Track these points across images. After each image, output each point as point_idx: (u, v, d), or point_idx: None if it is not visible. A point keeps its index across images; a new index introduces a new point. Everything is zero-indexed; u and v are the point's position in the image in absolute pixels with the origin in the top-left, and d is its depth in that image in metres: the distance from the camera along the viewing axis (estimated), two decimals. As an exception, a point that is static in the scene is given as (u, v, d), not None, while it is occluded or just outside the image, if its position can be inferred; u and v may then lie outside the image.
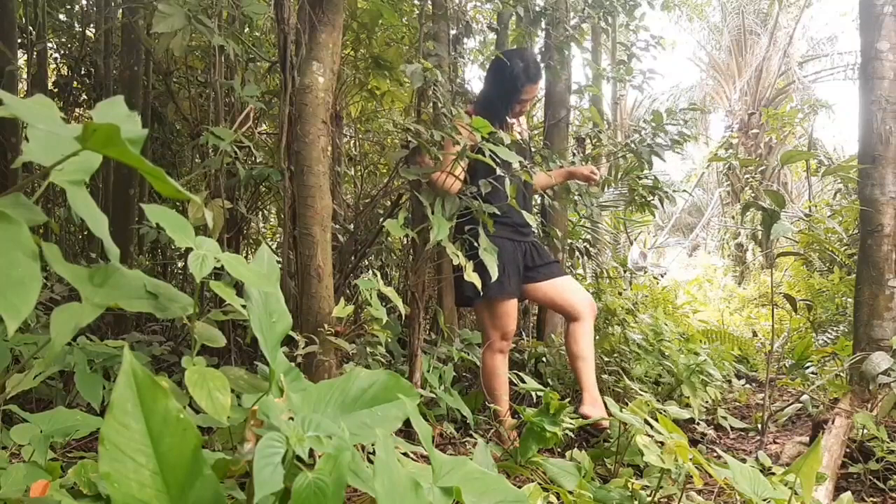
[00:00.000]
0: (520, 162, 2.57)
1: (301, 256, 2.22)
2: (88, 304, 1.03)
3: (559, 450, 2.55)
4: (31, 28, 4.00)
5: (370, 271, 2.32)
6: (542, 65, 2.95)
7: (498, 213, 2.52)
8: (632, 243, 8.80)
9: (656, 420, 1.87)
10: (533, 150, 3.14)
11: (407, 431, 2.10)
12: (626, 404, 2.35)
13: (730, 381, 3.95)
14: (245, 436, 1.17)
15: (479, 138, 2.32)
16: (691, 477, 1.72)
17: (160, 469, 0.87)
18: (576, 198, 3.78)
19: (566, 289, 2.79)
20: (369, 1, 3.41)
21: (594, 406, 2.56)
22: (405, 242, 3.48)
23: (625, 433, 2.27)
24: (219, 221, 2.36)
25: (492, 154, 2.32)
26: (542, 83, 2.92)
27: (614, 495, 1.86)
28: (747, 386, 4.25)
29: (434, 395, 2.58)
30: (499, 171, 2.47)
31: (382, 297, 2.30)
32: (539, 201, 3.43)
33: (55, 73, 4.85)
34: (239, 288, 1.26)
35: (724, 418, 3.11)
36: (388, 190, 3.35)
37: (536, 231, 2.97)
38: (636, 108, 16.52)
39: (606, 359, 3.47)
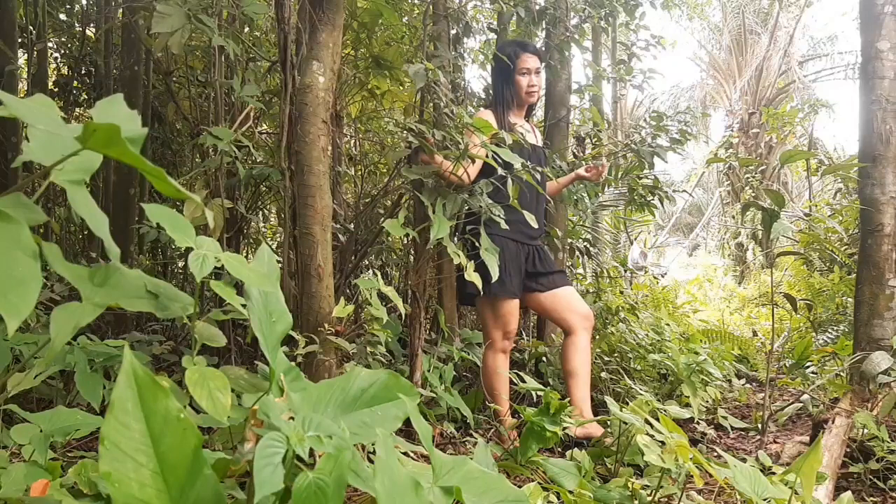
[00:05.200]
0: (533, 167, 2.59)
1: (301, 256, 2.23)
2: (88, 304, 1.03)
3: (559, 450, 2.55)
4: (31, 28, 4.00)
5: (370, 271, 2.32)
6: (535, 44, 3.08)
7: (504, 213, 2.53)
8: (632, 243, 8.80)
9: (657, 419, 1.87)
10: (546, 153, 3.16)
11: (407, 431, 2.10)
12: (627, 403, 2.35)
13: (730, 381, 3.95)
14: (245, 435, 1.17)
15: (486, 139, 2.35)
16: (692, 476, 1.72)
17: (160, 469, 0.87)
18: (575, 198, 3.78)
19: (562, 302, 2.80)
20: (369, 1, 3.41)
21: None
22: (405, 242, 3.49)
23: (625, 433, 2.27)
24: (219, 221, 2.36)
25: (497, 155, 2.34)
26: (542, 68, 3.00)
27: (614, 495, 1.86)
28: (747, 386, 4.24)
29: (434, 395, 2.58)
30: (501, 172, 2.48)
31: (382, 297, 2.30)
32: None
33: (55, 72, 4.85)
34: (239, 287, 1.26)
35: (725, 418, 3.11)
36: (388, 190, 3.35)
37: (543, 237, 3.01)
38: (636, 107, 16.52)
39: (606, 358, 3.47)
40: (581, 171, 3.07)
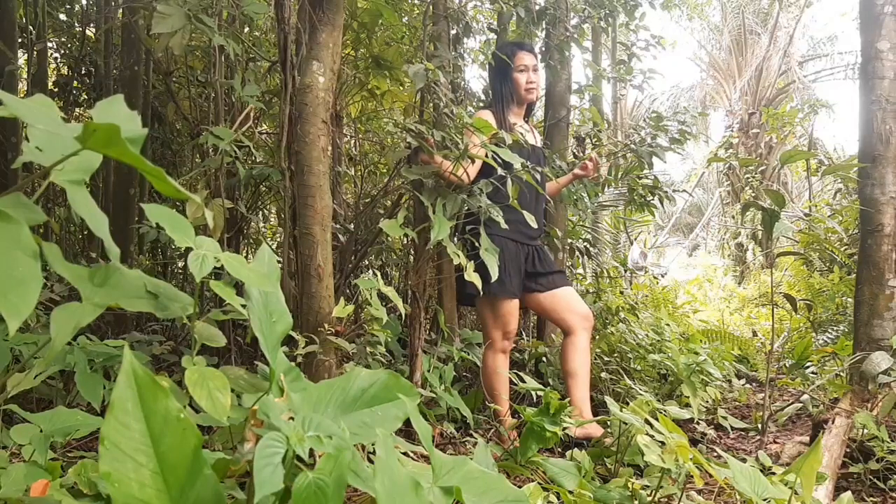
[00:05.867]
0: (533, 167, 2.59)
1: (301, 256, 2.23)
2: (88, 304, 1.03)
3: (559, 450, 2.55)
4: (31, 28, 4.00)
5: (370, 271, 2.32)
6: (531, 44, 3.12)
7: (504, 213, 2.53)
8: (632, 243, 8.80)
9: (657, 420, 1.87)
10: (546, 153, 3.16)
11: (407, 431, 2.10)
12: (627, 404, 2.35)
13: (730, 381, 3.96)
14: (245, 435, 1.17)
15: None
16: (691, 477, 1.72)
17: (160, 469, 0.87)
18: (575, 198, 3.78)
19: (562, 303, 2.81)
20: (369, 1, 3.41)
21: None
22: (405, 242, 3.49)
23: (625, 433, 2.27)
24: (219, 221, 2.36)
25: (496, 156, 2.34)
26: (539, 66, 3.05)
27: (614, 495, 1.86)
28: (747, 386, 4.25)
29: (434, 395, 2.58)
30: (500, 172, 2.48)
31: (382, 297, 2.29)
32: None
33: (55, 72, 4.85)
34: (239, 288, 1.26)
35: (724, 418, 3.11)
36: (388, 190, 3.35)
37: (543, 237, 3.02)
38: (636, 107, 16.52)
39: (606, 358, 3.47)
40: (577, 171, 3.08)
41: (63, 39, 4.88)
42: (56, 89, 4.55)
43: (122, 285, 1.09)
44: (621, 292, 4.68)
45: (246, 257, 3.19)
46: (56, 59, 4.88)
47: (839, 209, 6.64)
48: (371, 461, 1.08)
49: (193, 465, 0.89)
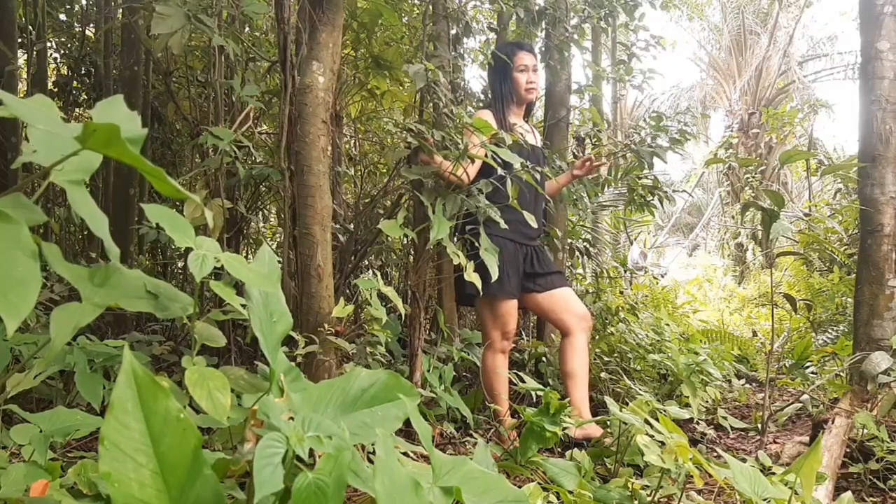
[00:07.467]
0: (532, 167, 2.59)
1: (301, 256, 2.23)
2: (88, 304, 1.03)
3: (559, 450, 2.55)
4: (31, 28, 4.00)
5: (370, 271, 2.32)
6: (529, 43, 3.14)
7: (503, 213, 2.53)
8: (632, 243, 8.80)
9: (656, 420, 1.87)
10: (545, 153, 3.16)
11: (407, 431, 2.10)
12: (627, 404, 2.35)
13: (730, 381, 3.96)
14: (245, 436, 1.17)
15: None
16: (691, 476, 1.73)
17: (160, 469, 0.87)
18: (575, 198, 3.78)
19: (560, 303, 2.80)
20: (369, 1, 3.41)
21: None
22: (405, 242, 3.49)
23: (625, 433, 2.27)
24: (219, 221, 2.36)
25: (496, 155, 2.34)
26: (539, 66, 3.07)
27: (614, 495, 1.86)
28: (747, 386, 4.25)
29: (434, 395, 2.58)
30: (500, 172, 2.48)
31: (382, 297, 2.29)
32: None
33: (55, 72, 4.85)
34: (239, 288, 1.26)
35: (724, 418, 3.11)
36: (387, 190, 3.35)
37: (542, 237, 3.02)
38: (636, 107, 16.53)
39: (606, 358, 3.47)
40: (574, 171, 3.08)
41: (63, 39, 4.88)
42: (56, 89, 4.55)
43: (122, 285, 1.09)
44: (621, 292, 4.68)
45: (246, 257, 3.19)
46: (56, 59, 4.88)
47: (839, 209, 6.64)
48: (371, 461, 1.08)
49: (193, 465, 0.89)
